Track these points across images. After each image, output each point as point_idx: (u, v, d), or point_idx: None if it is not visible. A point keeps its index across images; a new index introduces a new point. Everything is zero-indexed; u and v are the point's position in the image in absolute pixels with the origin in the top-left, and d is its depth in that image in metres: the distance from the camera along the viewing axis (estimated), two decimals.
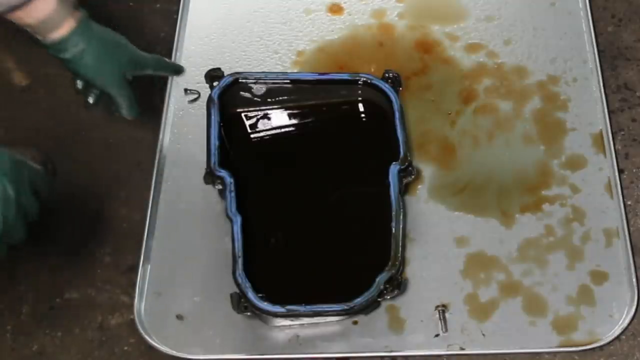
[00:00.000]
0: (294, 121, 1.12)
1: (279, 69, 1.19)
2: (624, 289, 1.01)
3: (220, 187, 1.01)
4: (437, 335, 0.98)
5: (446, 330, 0.98)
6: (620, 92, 1.16)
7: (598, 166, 1.09)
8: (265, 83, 1.09)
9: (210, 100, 1.06)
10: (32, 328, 1.01)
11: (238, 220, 0.97)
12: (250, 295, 0.93)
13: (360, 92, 1.10)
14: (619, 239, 1.03)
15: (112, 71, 0.94)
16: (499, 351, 0.97)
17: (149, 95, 1.05)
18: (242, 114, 1.12)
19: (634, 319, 0.98)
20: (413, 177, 1.03)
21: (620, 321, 0.98)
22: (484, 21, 1.23)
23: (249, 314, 0.95)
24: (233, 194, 0.99)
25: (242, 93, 1.10)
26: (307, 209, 1.05)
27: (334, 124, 1.12)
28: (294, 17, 1.24)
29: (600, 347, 0.97)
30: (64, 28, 0.89)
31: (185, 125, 1.15)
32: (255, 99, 1.11)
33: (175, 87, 1.17)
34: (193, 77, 1.16)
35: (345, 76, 1.10)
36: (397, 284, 0.95)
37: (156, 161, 1.11)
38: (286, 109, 1.12)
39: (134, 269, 1.03)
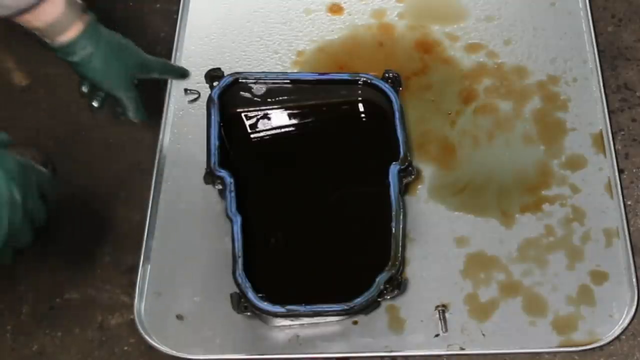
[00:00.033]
0: (294, 121, 1.12)
1: (279, 69, 1.19)
2: (624, 289, 1.01)
3: (220, 187, 1.01)
4: (437, 335, 0.98)
5: (446, 330, 0.98)
6: (620, 92, 1.16)
7: (598, 166, 1.09)
8: (265, 83, 1.09)
9: (210, 100, 1.06)
10: (32, 328, 1.01)
11: (238, 220, 0.97)
12: (250, 295, 0.93)
13: (360, 92, 1.10)
14: (619, 239, 1.03)
15: (119, 74, 0.95)
16: (499, 351, 0.97)
17: (149, 95, 1.05)
18: (242, 114, 1.12)
19: (634, 319, 0.98)
20: (413, 177, 1.03)
21: (620, 321, 0.98)
22: (484, 21, 1.23)
23: (249, 314, 0.95)
24: (233, 194, 0.99)
25: (242, 93, 1.10)
26: (307, 209, 1.05)
27: (334, 124, 1.12)
28: (294, 17, 1.24)
29: (600, 347, 0.97)
30: (72, 31, 0.90)
31: (185, 125, 1.15)
32: (255, 99, 1.11)
33: (175, 87, 1.17)
34: (193, 77, 1.16)
35: (345, 76, 1.10)
36: (397, 284, 0.95)
37: (156, 161, 1.11)
38: (286, 109, 1.12)
39: (134, 269, 1.03)
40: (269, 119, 1.12)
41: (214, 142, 1.03)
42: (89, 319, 1.01)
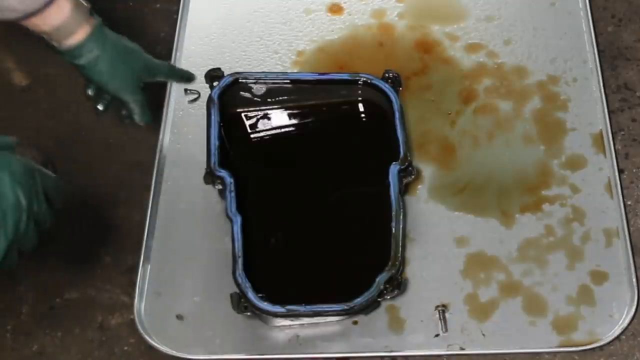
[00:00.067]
0: (294, 121, 1.12)
1: (279, 69, 1.19)
2: (624, 289, 1.01)
3: (220, 187, 1.01)
4: (437, 335, 0.98)
5: (446, 330, 0.98)
6: (620, 92, 1.16)
7: (598, 166, 1.09)
8: (265, 83, 1.09)
9: (210, 100, 1.06)
10: (32, 328, 1.01)
11: (238, 220, 0.97)
12: (250, 295, 0.92)
13: (360, 92, 1.10)
14: (619, 239, 1.03)
15: (126, 77, 0.95)
16: (499, 351, 0.97)
17: (149, 95, 1.05)
18: (242, 114, 1.12)
19: (634, 319, 0.98)
20: (413, 177, 1.03)
21: (620, 321, 0.98)
22: (484, 21, 1.23)
23: (249, 314, 0.95)
24: (233, 194, 0.99)
25: (242, 93, 1.10)
26: (307, 209, 1.05)
27: (334, 124, 1.12)
28: (294, 17, 1.24)
29: (600, 347, 0.97)
30: (79, 34, 0.90)
31: (185, 125, 1.15)
32: (255, 99, 1.11)
33: (175, 87, 1.17)
34: None
35: (345, 76, 1.10)
36: (397, 284, 0.95)
37: (156, 161, 1.11)
38: (286, 109, 1.12)
39: (134, 269, 1.03)
40: (269, 119, 1.12)
41: (214, 142, 1.03)
42: (89, 319, 1.01)
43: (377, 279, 0.94)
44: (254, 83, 1.09)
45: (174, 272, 1.03)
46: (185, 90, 1.16)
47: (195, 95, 1.16)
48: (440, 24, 1.22)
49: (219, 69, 1.09)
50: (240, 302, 0.94)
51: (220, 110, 1.05)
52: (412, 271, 1.02)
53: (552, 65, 1.18)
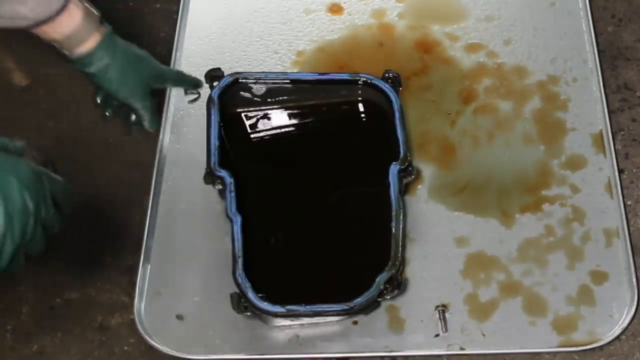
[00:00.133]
0: (294, 121, 1.12)
1: (279, 69, 1.19)
2: (624, 289, 1.00)
3: (220, 187, 1.01)
4: (437, 335, 0.98)
5: (446, 330, 0.98)
6: (620, 92, 1.16)
7: (598, 166, 1.09)
8: (265, 83, 1.09)
9: (210, 100, 1.06)
10: (32, 328, 1.01)
11: (238, 220, 0.97)
12: (250, 295, 0.92)
13: (360, 92, 1.10)
14: (619, 239, 1.03)
15: (136, 84, 0.96)
16: (499, 351, 0.97)
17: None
18: (242, 114, 1.12)
19: (634, 319, 0.98)
20: (413, 177, 1.03)
21: (620, 321, 0.98)
22: (484, 21, 1.23)
23: (249, 314, 0.95)
24: (233, 194, 0.99)
25: (242, 93, 1.10)
26: (307, 209, 1.05)
27: (334, 124, 1.12)
28: (294, 17, 1.24)
29: (600, 347, 0.97)
30: (90, 43, 0.91)
31: (185, 125, 1.15)
32: (255, 99, 1.11)
33: (176, 88, 1.17)
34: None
35: (345, 76, 1.10)
36: (397, 284, 0.95)
37: (156, 161, 1.11)
38: (286, 109, 1.12)
39: (134, 269, 1.03)
40: (269, 119, 1.12)
41: (214, 142, 1.03)
42: (89, 319, 1.01)
43: (377, 279, 0.94)
44: (254, 83, 1.09)
45: (174, 272, 1.03)
46: (185, 90, 1.16)
47: (195, 95, 1.16)
48: (440, 24, 1.22)
49: (219, 69, 1.09)
50: (240, 302, 0.94)
51: (220, 110, 1.05)
52: (412, 271, 1.02)
53: (552, 65, 1.18)
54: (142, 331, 0.99)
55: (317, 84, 1.09)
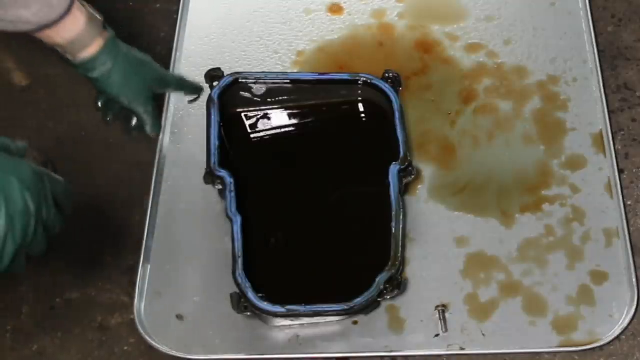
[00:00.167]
0: (294, 121, 1.12)
1: (279, 69, 1.19)
2: (624, 289, 1.01)
3: (220, 187, 1.01)
4: (437, 335, 0.98)
5: (446, 330, 0.98)
6: (620, 92, 1.16)
7: (598, 166, 1.09)
8: (265, 83, 1.09)
9: (210, 100, 1.06)
10: (32, 328, 1.01)
11: (238, 220, 0.97)
12: (250, 295, 0.93)
13: (360, 92, 1.10)
14: (619, 239, 1.03)
15: (138, 89, 0.97)
16: (499, 351, 0.97)
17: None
18: (242, 114, 1.12)
19: (634, 319, 0.98)
20: (413, 177, 1.03)
21: (620, 321, 0.98)
22: (484, 21, 1.23)
23: (249, 314, 0.95)
24: (233, 194, 0.99)
25: (242, 93, 1.10)
26: (307, 209, 1.05)
27: (334, 124, 1.12)
28: (294, 17, 1.24)
29: (600, 347, 0.97)
30: (93, 47, 0.92)
31: (185, 125, 1.15)
32: (255, 99, 1.11)
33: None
34: (193, 77, 1.16)
35: (345, 76, 1.10)
36: (397, 284, 0.95)
37: (156, 161, 1.11)
38: (286, 109, 1.12)
39: (134, 269, 1.03)
40: (269, 119, 1.12)
41: (214, 142, 1.03)
42: (89, 319, 1.01)
43: (377, 279, 0.94)
44: (254, 83, 1.09)
45: (174, 272, 1.03)
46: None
47: (195, 96, 1.16)
48: (440, 24, 1.22)
49: (219, 69, 1.09)
50: (240, 302, 0.94)
51: (220, 110, 1.05)
52: (412, 271, 1.02)
53: (552, 65, 1.18)
54: (142, 331, 0.99)
55: (317, 84, 1.09)
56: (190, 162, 1.10)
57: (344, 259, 1.01)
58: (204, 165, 1.02)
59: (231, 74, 1.08)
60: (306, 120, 1.12)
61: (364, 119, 1.12)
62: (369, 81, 1.08)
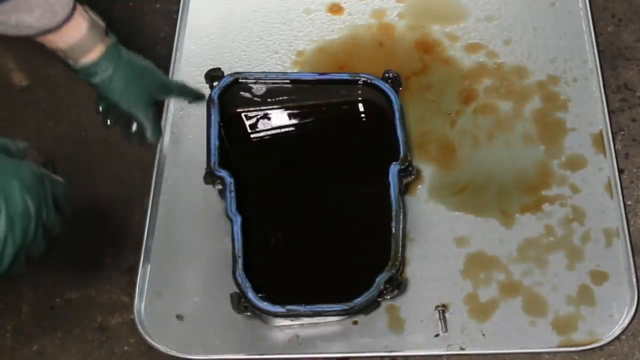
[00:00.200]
0: (294, 121, 1.12)
1: (279, 69, 1.19)
2: (624, 289, 1.01)
3: (220, 187, 1.01)
4: (437, 335, 0.98)
5: (446, 330, 0.98)
6: (620, 92, 1.16)
7: (598, 166, 1.09)
8: (265, 83, 1.09)
9: (210, 100, 1.06)
10: (32, 328, 1.01)
11: (238, 220, 0.97)
12: (250, 295, 0.93)
13: (360, 92, 1.10)
14: (619, 239, 1.03)
15: (139, 95, 0.96)
16: (499, 351, 0.97)
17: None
18: (242, 114, 1.12)
19: (634, 319, 0.98)
20: (413, 177, 1.03)
21: (620, 321, 0.98)
22: (484, 21, 1.23)
23: (249, 314, 0.95)
24: (233, 194, 0.99)
25: (242, 93, 1.10)
26: (307, 209, 1.06)
27: (334, 124, 1.12)
28: (294, 17, 1.24)
29: (600, 347, 0.97)
30: (94, 53, 0.92)
31: (185, 125, 1.15)
32: (255, 99, 1.11)
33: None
34: (193, 77, 1.16)
35: (345, 76, 1.10)
36: (397, 284, 0.95)
37: (156, 161, 1.11)
38: (286, 109, 1.12)
39: (134, 269, 1.03)
40: (269, 119, 1.12)
41: (214, 142, 1.03)
42: (89, 319, 1.01)
43: (377, 279, 0.94)
44: (254, 83, 1.09)
45: (174, 272, 1.03)
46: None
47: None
48: (440, 24, 1.22)
49: (219, 69, 1.09)
50: (240, 302, 0.94)
51: (220, 110, 1.05)
52: (412, 271, 1.02)
53: (552, 65, 1.18)
54: (142, 331, 0.99)
55: (317, 84, 1.09)
56: (190, 162, 1.10)
57: (344, 259, 1.01)
58: (204, 165, 1.02)
59: (231, 74, 1.08)
60: (306, 120, 1.12)
61: (364, 119, 1.12)
62: (369, 81, 1.08)
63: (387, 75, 1.09)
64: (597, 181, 1.08)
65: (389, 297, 0.95)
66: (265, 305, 0.92)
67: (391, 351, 0.98)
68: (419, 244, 1.04)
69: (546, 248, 1.03)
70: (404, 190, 1.04)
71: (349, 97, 1.11)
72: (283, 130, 1.12)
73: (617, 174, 1.08)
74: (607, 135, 1.11)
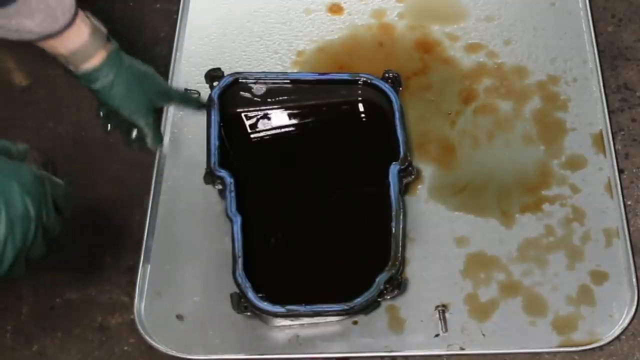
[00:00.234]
0: (294, 121, 1.12)
1: (279, 69, 1.19)
2: (624, 289, 1.01)
3: (220, 187, 1.01)
4: (437, 335, 0.98)
5: (446, 330, 0.98)
6: (620, 92, 1.16)
7: (598, 166, 1.09)
8: (265, 83, 1.09)
9: (210, 100, 1.06)
10: (32, 328, 1.01)
11: (238, 220, 0.97)
12: (250, 295, 0.93)
13: (360, 92, 1.10)
14: (619, 239, 1.03)
15: (140, 101, 0.96)
16: (499, 351, 0.97)
17: None
18: (242, 114, 1.12)
19: (634, 319, 0.98)
20: (413, 177, 1.03)
21: (620, 321, 0.98)
22: (484, 21, 1.23)
23: (249, 314, 0.95)
24: (233, 194, 0.99)
25: (242, 93, 1.10)
26: (307, 209, 1.06)
27: (334, 124, 1.12)
28: (294, 17, 1.24)
29: (600, 347, 0.97)
30: (96, 59, 0.91)
31: (185, 125, 1.15)
32: (255, 99, 1.11)
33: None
34: (193, 77, 1.16)
35: (345, 76, 1.10)
36: (397, 284, 0.95)
37: (156, 161, 1.11)
38: (286, 109, 1.12)
39: (134, 269, 1.03)
40: (269, 119, 1.12)
41: (214, 142, 1.03)
42: (89, 319, 1.01)
43: (377, 279, 0.94)
44: (254, 83, 1.09)
45: (174, 272, 1.03)
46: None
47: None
48: (440, 24, 1.22)
49: (219, 69, 1.09)
50: (240, 302, 0.94)
51: (220, 110, 1.05)
52: (412, 271, 1.02)
53: (552, 65, 1.18)
54: (142, 331, 0.99)
55: (317, 84, 1.09)
56: (190, 162, 1.10)
57: (344, 259, 1.01)
58: (204, 165, 1.02)
59: (231, 74, 1.08)
60: (306, 120, 1.12)
61: (364, 119, 1.12)
62: (369, 81, 1.08)
63: (387, 75, 1.09)
64: (597, 181, 1.08)
65: (389, 297, 0.95)
66: (265, 305, 0.92)
67: (391, 351, 0.98)
68: (419, 244, 1.04)
69: (546, 248, 1.03)
70: (404, 190, 1.04)
71: (349, 97, 1.11)
72: (283, 130, 1.12)
73: (617, 174, 1.08)
74: (607, 135, 1.11)
